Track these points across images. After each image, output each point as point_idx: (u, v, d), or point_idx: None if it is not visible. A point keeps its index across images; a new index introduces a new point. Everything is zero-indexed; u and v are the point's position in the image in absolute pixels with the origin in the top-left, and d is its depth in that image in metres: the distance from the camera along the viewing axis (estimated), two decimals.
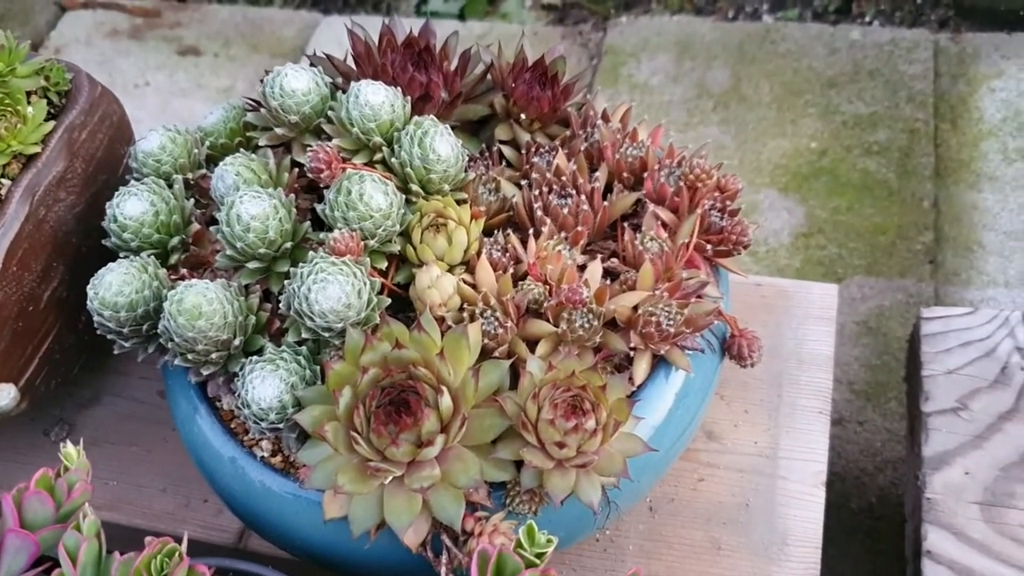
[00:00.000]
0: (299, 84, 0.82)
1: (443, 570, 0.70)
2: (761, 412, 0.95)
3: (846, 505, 1.25)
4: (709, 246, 0.79)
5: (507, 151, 0.89)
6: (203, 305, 0.72)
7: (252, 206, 0.74)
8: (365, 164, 0.80)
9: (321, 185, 0.78)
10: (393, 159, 0.79)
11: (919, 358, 1.00)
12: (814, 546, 0.87)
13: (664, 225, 0.80)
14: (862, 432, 1.32)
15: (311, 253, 0.74)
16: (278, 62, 1.95)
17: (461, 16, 2.04)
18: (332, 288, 0.71)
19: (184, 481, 0.95)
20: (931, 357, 0.99)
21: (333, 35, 1.96)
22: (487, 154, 0.89)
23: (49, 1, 2.19)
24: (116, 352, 0.80)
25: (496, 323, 0.74)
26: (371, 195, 0.75)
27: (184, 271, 0.80)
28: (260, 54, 1.98)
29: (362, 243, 0.75)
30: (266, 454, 0.77)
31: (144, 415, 1.02)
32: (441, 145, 0.79)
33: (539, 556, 0.62)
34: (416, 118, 0.80)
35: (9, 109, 0.85)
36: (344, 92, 0.83)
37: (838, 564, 1.16)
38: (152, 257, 0.79)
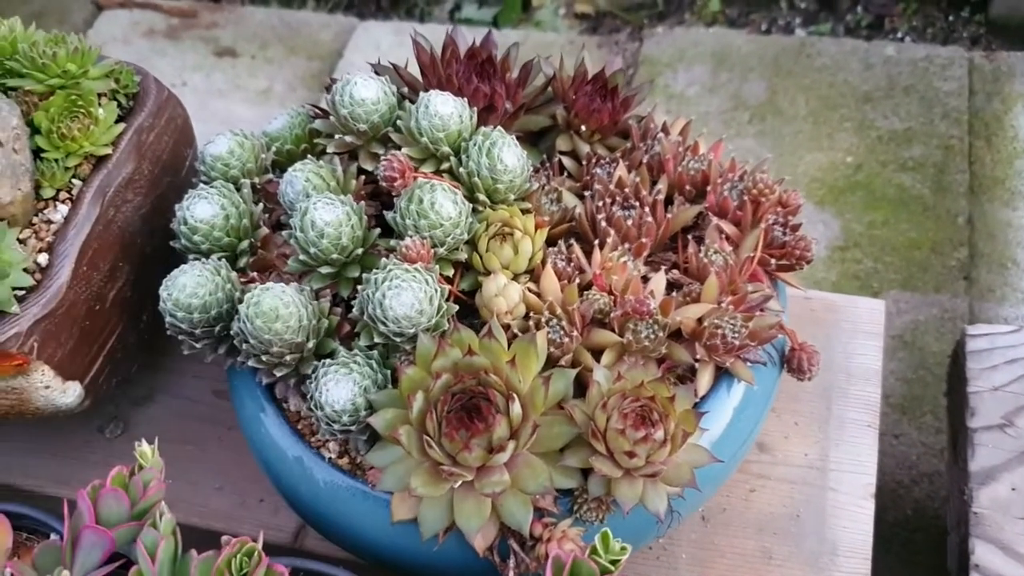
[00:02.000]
0: (368, 93, 0.83)
1: (511, 574, 0.71)
2: (811, 424, 0.96)
3: (883, 517, 1.26)
4: (773, 260, 0.81)
5: (567, 162, 0.90)
6: (280, 308, 0.73)
7: (326, 213, 0.76)
8: (433, 173, 0.81)
9: (393, 194, 0.79)
10: (461, 169, 0.81)
11: (964, 374, 1.01)
12: (863, 557, 0.88)
13: (727, 238, 0.81)
14: (898, 445, 1.33)
15: (383, 260, 0.75)
16: (315, 65, 1.97)
17: (495, 23, 2.05)
18: (406, 295, 0.72)
19: (239, 480, 0.96)
20: (977, 374, 1.00)
21: (371, 40, 1.98)
22: (547, 165, 0.90)
23: (86, 0, 2.21)
24: (186, 353, 0.81)
25: (561, 332, 0.75)
26: (441, 204, 0.77)
27: (253, 274, 0.82)
28: (297, 56, 2.00)
29: (432, 251, 0.77)
30: (333, 455, 0.79)
31: (198, 414, 1.03)
32: (508, 155, 0.80)
33: (613, 563, 0.63)
34: (483, 128, 0.82)
35: (82, 111, 0.87)
36: (410, 101, 0.84)
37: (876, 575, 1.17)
38: (223, 260, 0.80)
